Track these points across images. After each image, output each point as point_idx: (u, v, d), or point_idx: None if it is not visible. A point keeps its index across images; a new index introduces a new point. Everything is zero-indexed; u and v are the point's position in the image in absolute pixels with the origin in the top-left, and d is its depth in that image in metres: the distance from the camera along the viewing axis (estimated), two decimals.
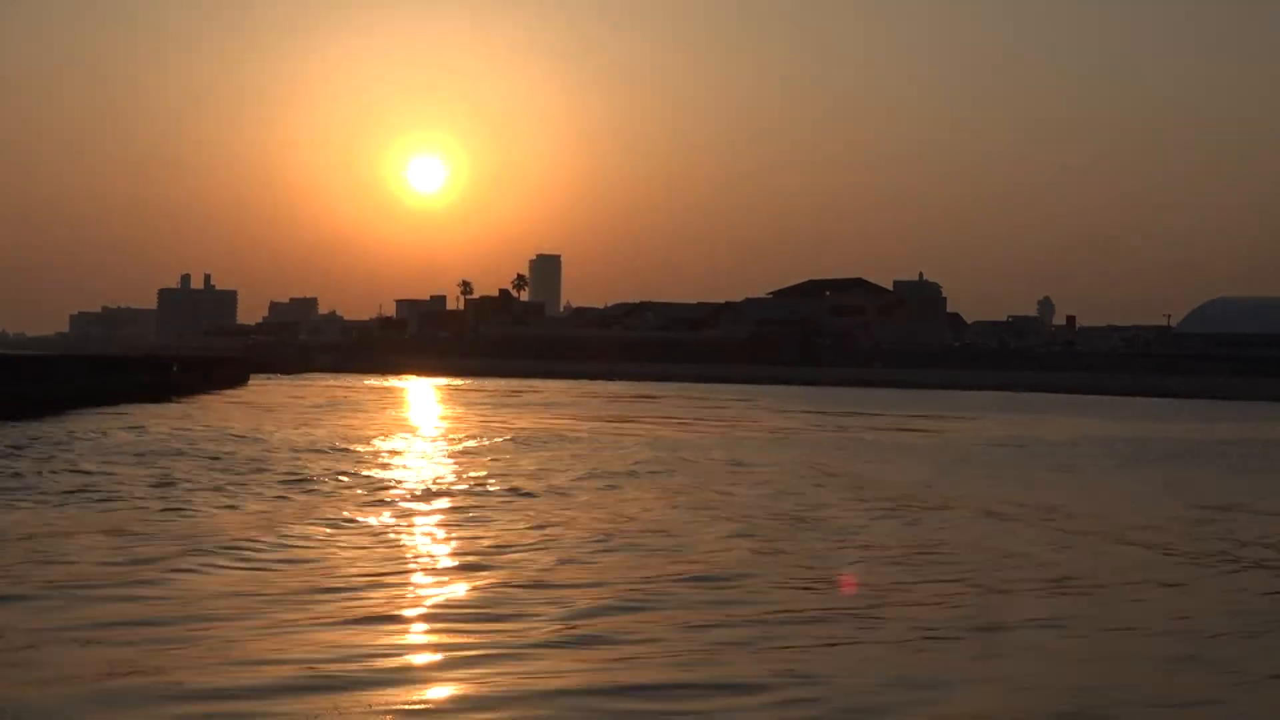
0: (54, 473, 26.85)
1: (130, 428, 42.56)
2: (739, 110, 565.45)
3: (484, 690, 10.64)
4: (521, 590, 14.90)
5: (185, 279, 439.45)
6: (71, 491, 23.65)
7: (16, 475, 26.07)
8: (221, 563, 16.27)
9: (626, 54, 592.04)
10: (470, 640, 12.33)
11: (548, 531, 19.86)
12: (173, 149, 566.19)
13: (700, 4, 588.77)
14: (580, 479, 28.42)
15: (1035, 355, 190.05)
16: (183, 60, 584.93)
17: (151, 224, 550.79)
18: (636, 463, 33.15)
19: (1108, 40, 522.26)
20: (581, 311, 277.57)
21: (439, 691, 10.63)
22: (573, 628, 12.97)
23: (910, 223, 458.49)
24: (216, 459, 31.48)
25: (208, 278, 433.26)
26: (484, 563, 16.83)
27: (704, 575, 16.25)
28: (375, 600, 14.22)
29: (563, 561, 17.07)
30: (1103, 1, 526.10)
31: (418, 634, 12.73)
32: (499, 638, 12.46)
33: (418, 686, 10.76)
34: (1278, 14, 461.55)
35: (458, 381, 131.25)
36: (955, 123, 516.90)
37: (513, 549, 18.03)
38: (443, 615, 13.53)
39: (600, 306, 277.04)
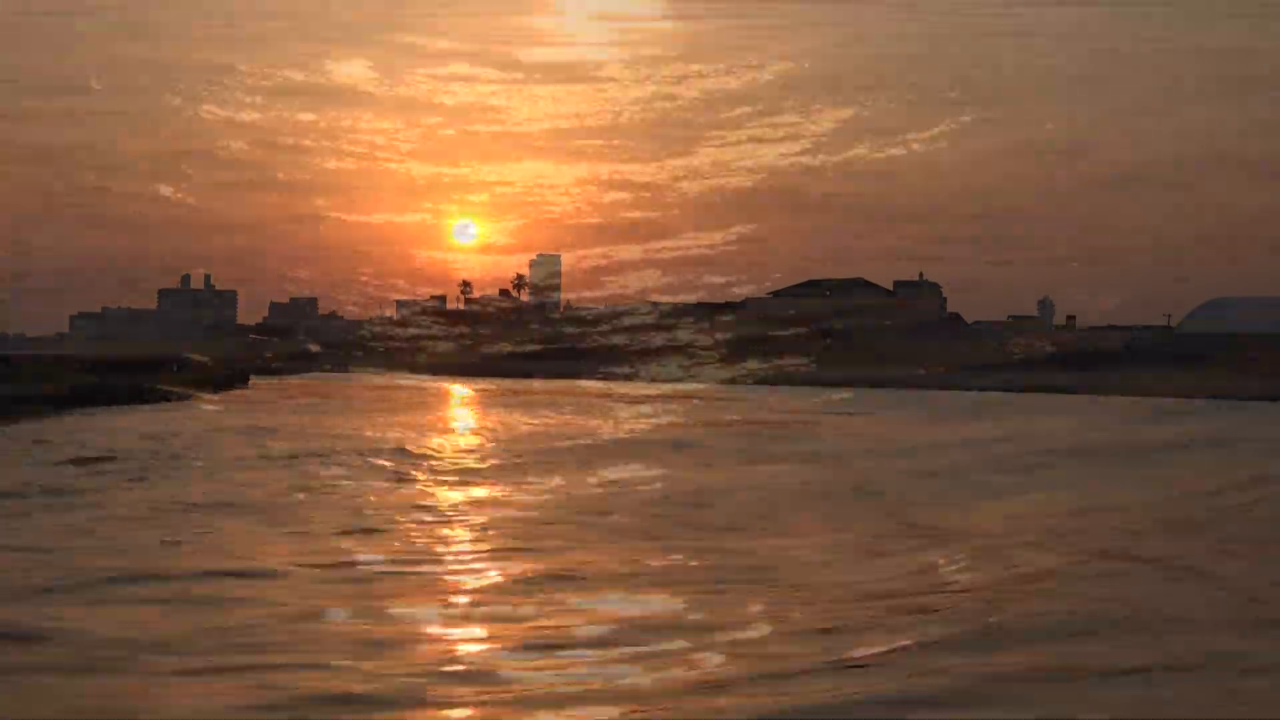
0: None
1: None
2: (739, 110, 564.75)
3: None
4: None
5: (185, 279, 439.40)
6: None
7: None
8: None
9: (627, 54, 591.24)
10: None
11: None
12: (174, 147, 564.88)
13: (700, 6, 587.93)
14: None
15: (1035, 355, 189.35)
16: (186, 57, 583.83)
17: (151, 224, 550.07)
18: None
19: (1107, 39, 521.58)
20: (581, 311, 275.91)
21: None
22: None
23: (910, 223, 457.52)
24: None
25: (208, 278, 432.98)
26: None
27: None
28: None
29: None
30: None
31: None
32: None
33: None
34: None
35: (464, 383, 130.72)
36: (956, 122, 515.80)
37: None
38: None
39: (600, 307, 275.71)
